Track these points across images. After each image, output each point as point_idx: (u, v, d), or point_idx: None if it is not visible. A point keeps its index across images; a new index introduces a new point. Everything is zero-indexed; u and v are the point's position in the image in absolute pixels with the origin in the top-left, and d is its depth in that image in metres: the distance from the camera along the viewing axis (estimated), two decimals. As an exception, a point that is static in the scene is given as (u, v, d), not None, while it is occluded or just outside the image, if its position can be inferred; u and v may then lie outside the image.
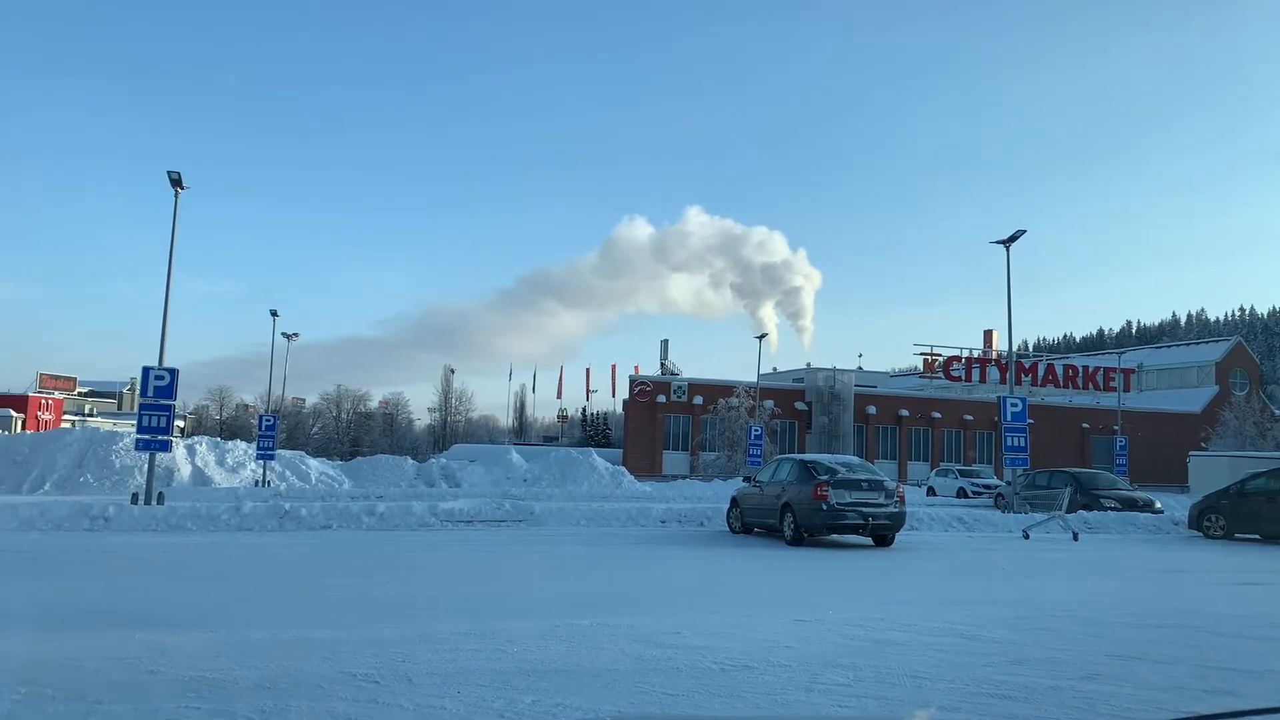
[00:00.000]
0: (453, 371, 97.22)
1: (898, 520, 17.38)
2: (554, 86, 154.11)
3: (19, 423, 73.31)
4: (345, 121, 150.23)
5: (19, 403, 79.08)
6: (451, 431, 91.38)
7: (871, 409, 66.25)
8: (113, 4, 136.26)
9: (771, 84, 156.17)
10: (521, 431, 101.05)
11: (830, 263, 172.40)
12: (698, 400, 61.98)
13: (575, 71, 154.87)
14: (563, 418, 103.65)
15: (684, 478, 53.05)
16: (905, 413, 67.38)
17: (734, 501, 20.30)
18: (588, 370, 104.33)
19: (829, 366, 66.88)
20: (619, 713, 5.20)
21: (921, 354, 69.06)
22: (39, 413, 79.44)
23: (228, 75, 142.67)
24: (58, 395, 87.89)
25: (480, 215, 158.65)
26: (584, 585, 11.38)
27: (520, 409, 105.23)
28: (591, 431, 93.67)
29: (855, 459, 19.38)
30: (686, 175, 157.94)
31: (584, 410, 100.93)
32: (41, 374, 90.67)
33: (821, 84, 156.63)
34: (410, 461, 42.81)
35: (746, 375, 58.86)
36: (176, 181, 22.79)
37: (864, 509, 16.90)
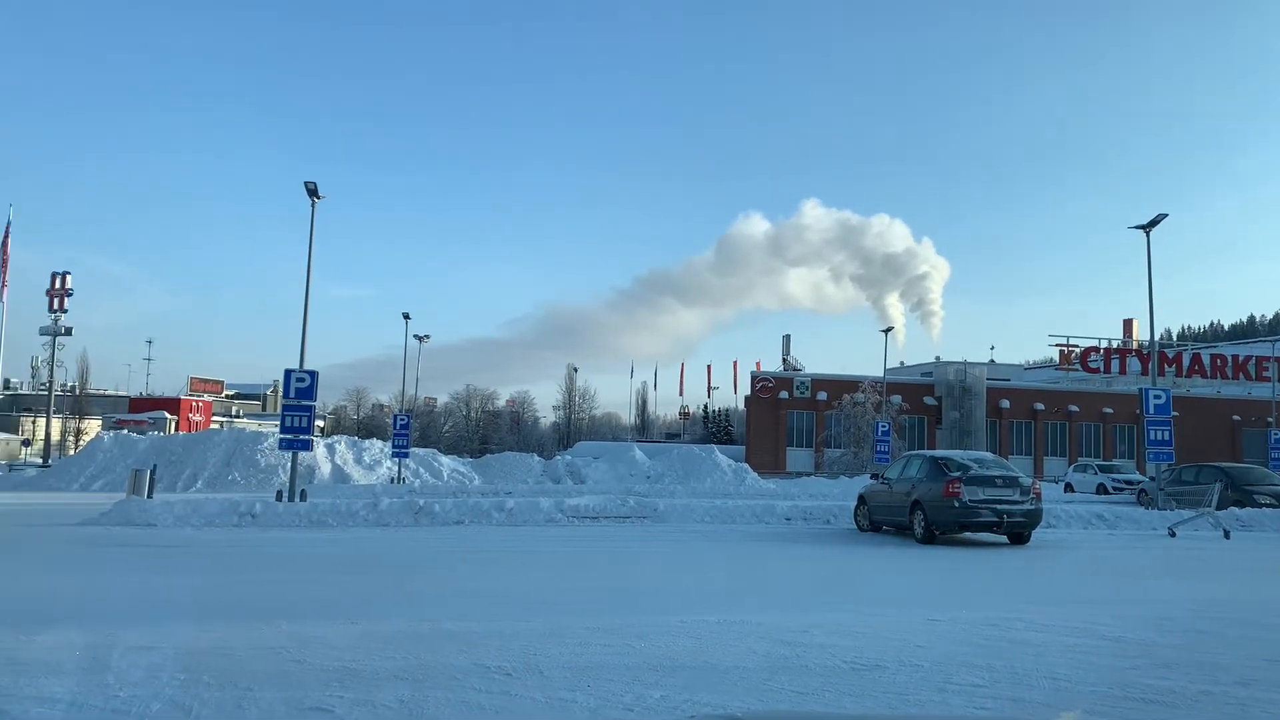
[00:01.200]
0: (575, 370, 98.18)
1: (1034, 517, 16.80)
2: (670, 89, 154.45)
3: (173, 424, 77.66)
4: (469, 126, 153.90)
5: (172, 405, 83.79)
6: (575, 429, 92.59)
7: (1005, 403, 64.13)
8: (236, 23, 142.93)
9: (892, 76, 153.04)
10: (644, 428, 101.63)
11: (958, 254, 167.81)
12: (821, 396, 61.18)
13: (690, 73, 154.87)
14: (684, 415, 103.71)
15: (808, 475, 52.47)
16: (1040, 406, 65.01)
17: (861, 499, 19.98)
18: (709, 367, 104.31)
19: (959, 360, 65.05)
20: (748, 710, 5.18)
21: (1057, 345, 66.49)
22: (190, 414, 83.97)
23: (358, 81, 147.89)
24: (207, 398, 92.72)
25: (599, 217, 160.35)
26: (710, 582, 11.38)
27: (642, 406, 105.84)
28: (713, 428, 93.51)
29: (988, 455, 18.82)
30: (803, 169, 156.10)
31: (706, 407, 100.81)
32: (192, 378, 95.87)
33: (941, 74, 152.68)
34: (536, 458, 43.60)
35: (872, 370, 57.71)
36: (313, 191, 23.74)
37: (998, 506, 16.40)
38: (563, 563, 13.17)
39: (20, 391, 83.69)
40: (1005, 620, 8.23)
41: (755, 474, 40.87)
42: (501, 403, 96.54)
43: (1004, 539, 17.29)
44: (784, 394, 61.68)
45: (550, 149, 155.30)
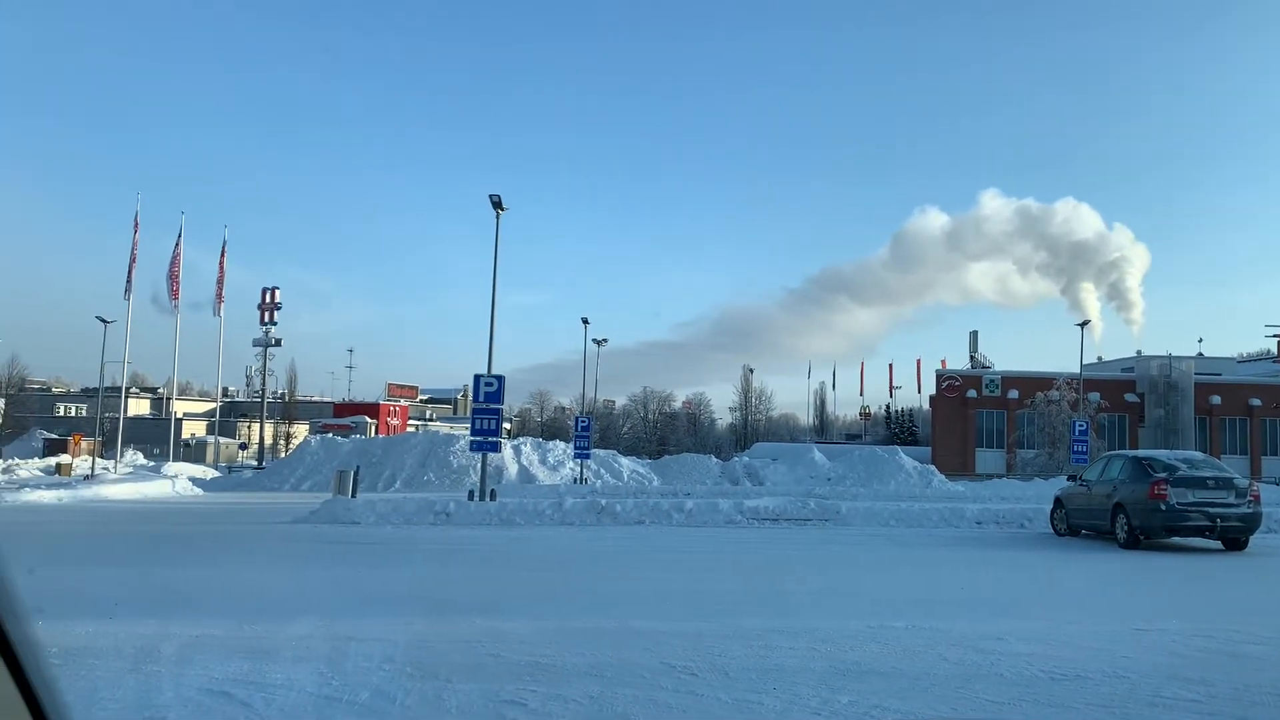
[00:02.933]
0: (751, 371, 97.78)
1: (1251, 522, 15.56)
2: (836, 89, 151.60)
3: (372, 428, 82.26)
4: (641, 134, 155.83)
5: (372, 410, 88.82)
6: (752, 430, 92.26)
7: (1215, 399, 59.64)
8: (421, 35, 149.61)
9: (1075, 63, 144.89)
10: (823, 429, 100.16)
11: (1158, 240, 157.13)
12: (1012, 394, 58.63)
13: (857, 72, 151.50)
14: (865, 415, 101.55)
15: (999, 477, 50.32)
16: (1257, 402, 60.08)
17: (1058, 502, 19.03)
18: (890, 365, 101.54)
19: (1163, 353, 60.96)
20: (941, 718, 5.04)
21: (1275, 335, 61.34)
22: (388, 418, 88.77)
23: (536, 93, 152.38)
24: (403, 402, 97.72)
25: (769, 217, 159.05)
26: (895, 586, 11.11)
27: (820, 407, 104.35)
28: (896, 429, 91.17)
29: (1198, 454, 17.56)
30: (978, 158, 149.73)
31: (888, 407, 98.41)
32: (389, 384, 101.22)
33: (1130, 57, 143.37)
34: (714, 460, 43.68)
35: (1066, 365, 54.85)
36: (497, 204, 24.65)
37: (1210, 509, 15.27)
38: (744, 564, 13.16)
39: (237, 399, 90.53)
40: (1221, 632, 7.67)
41: (941, 476, 39.58)
42: (678, 404, 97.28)
43: (1218, 545, 16.09)
44: (972, 392, 59.47)
45: (719, 153, 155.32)
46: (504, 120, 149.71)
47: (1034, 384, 57.43)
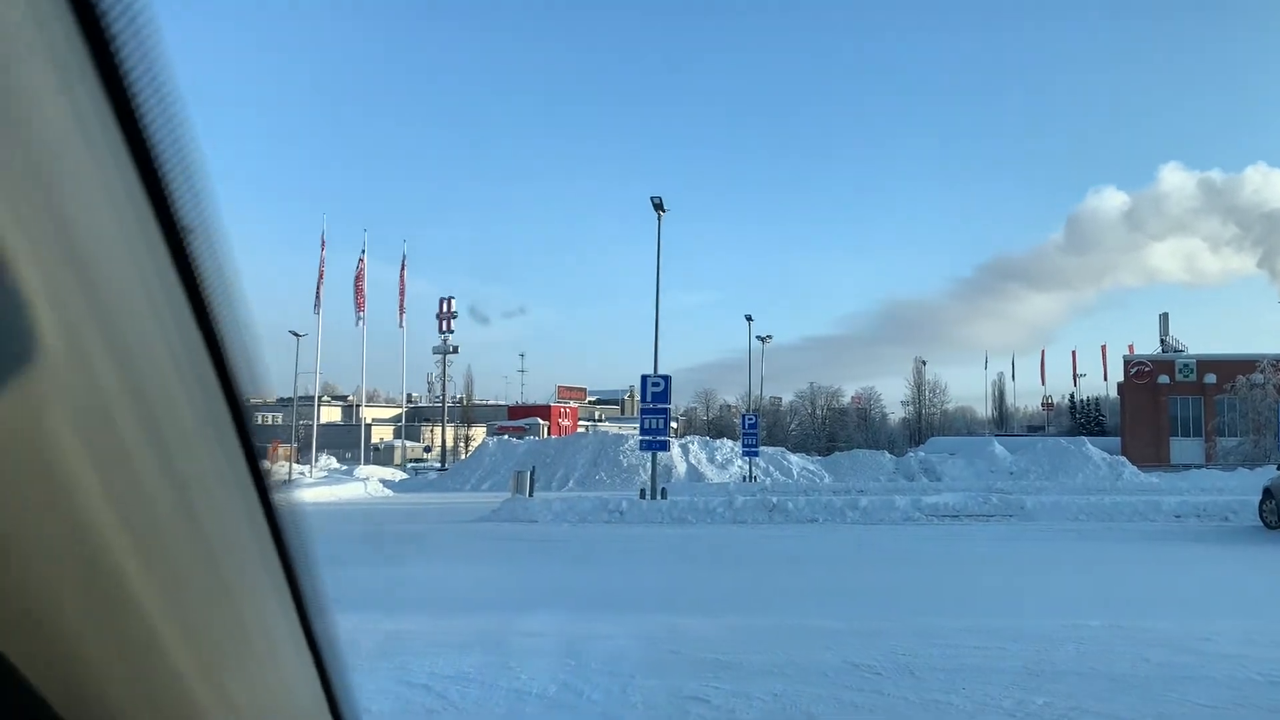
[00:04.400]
0: (924, 363, 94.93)
1: None
2: (1004, 70, 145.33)
3: (545, 429, 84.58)
4: (797, 126, 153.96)
5: (544, 412, 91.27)
6: (927, 424, 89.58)
7: None
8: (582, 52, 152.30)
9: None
10: (1002, 422, 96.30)
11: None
12: (1209, 379, 54.80)
13: (1025, 54, 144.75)
14: (1047, 405, 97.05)
15: (1196, 467, 47.14)
16: None
17: (1267, 493, 17.69)
18: (1073, 353, 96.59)
19: (1384, 330, 55.57)
20: None
21: None
22: (559, 420, 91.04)
23: (698, 89, 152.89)
24: (572, 404, 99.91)
25: (932, 206, 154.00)
26: (1089, 583, 10.60)
27: (999, 398, 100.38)
28: (1082, 419, 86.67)
29: None
30: (1154, 132, 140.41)
31: (1071, 396, 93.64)
32: (559, 386, 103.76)
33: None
34: (888, 455, 42.75)
35: (1271, 347, 50.89)
36: (658, 206, 24.93)
37: None
38: (924, 562, 12.83)
39: (420, 404, 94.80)
40: None
41: (1133, 467, 37.42)
42: (847, 400, 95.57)
43: None
44: (1164, 378, 55.95)
45: (876, 141, 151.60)
46: (665, 120, 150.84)
47: (1234, 367, 53.47)
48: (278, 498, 0.76)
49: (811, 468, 39.94)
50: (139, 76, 0.52)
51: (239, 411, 0.66)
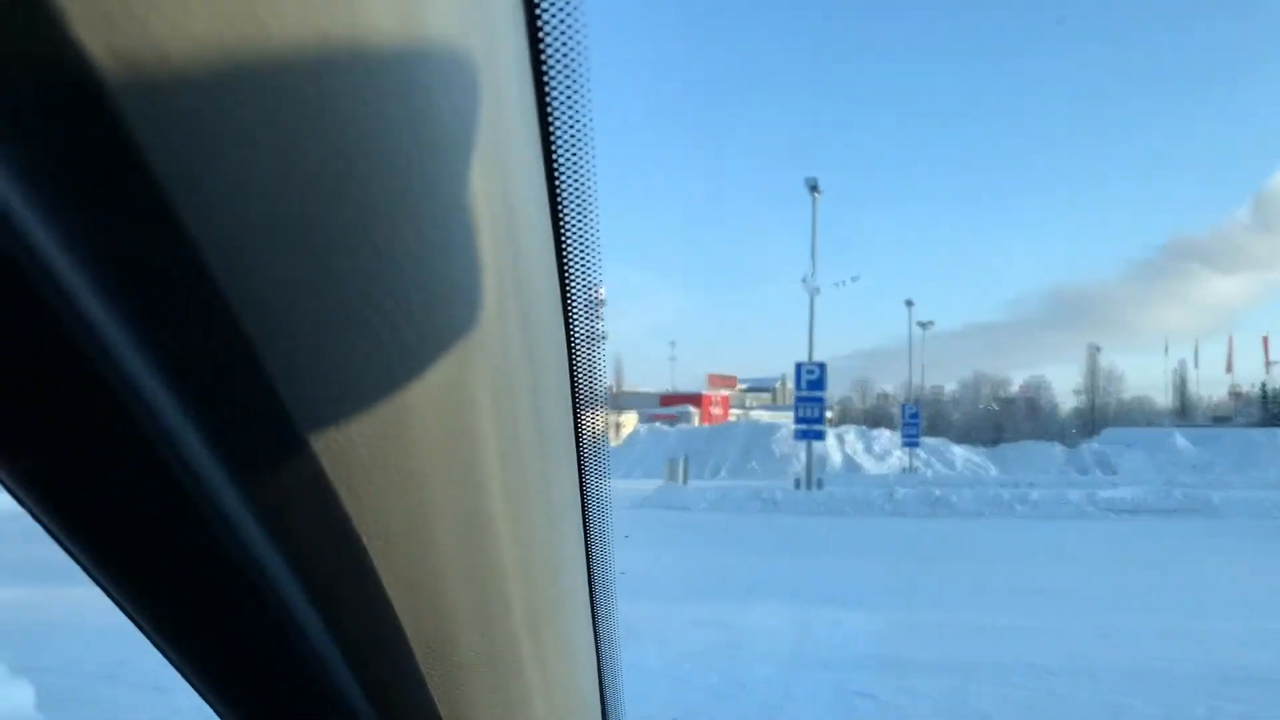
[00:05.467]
0: (1098, 350, 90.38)
1: None
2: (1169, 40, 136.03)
3: (696, 417, 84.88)
4: (956, 107, 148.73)
5: (695, 400, 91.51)
6: (1100, 414, 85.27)
7: None
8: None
9: None
10: (1184, 412, 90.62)
11: None
12: None
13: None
14: (1236, 395, 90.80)
15: None
16: None
17: None
18: (1264, 339, 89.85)
19: None
20: None
21: None
22: (710, 408, 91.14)
23: (855, 71, 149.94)
24: (723, 392, 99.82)
25: (1101, 182, 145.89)
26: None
27: (1180, 387, 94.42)
28: (1275, 409, 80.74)
29: None
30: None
31: (1263, 385, 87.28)
32: (709, 374, 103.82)
33: None
34: (1058, 447, 40.97)
35: None
36: (814, 187, 24.59)
37: None
38: (1100, 559, 12.23)
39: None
40: None
41: (1341, 460, 34.63)
42: (1013, 389, 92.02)
43: None
44: (1369, 366, 51.44)
45: (1043, 123, 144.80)
46: (824, 103, 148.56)
47: None
48: (598, 498, 0.79)
49: (976, 460, 38.70)
50: (558, 87, 0.55)
51: (579, 414, 0.69)
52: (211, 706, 0.50)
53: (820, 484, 23.47)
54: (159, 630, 0.45)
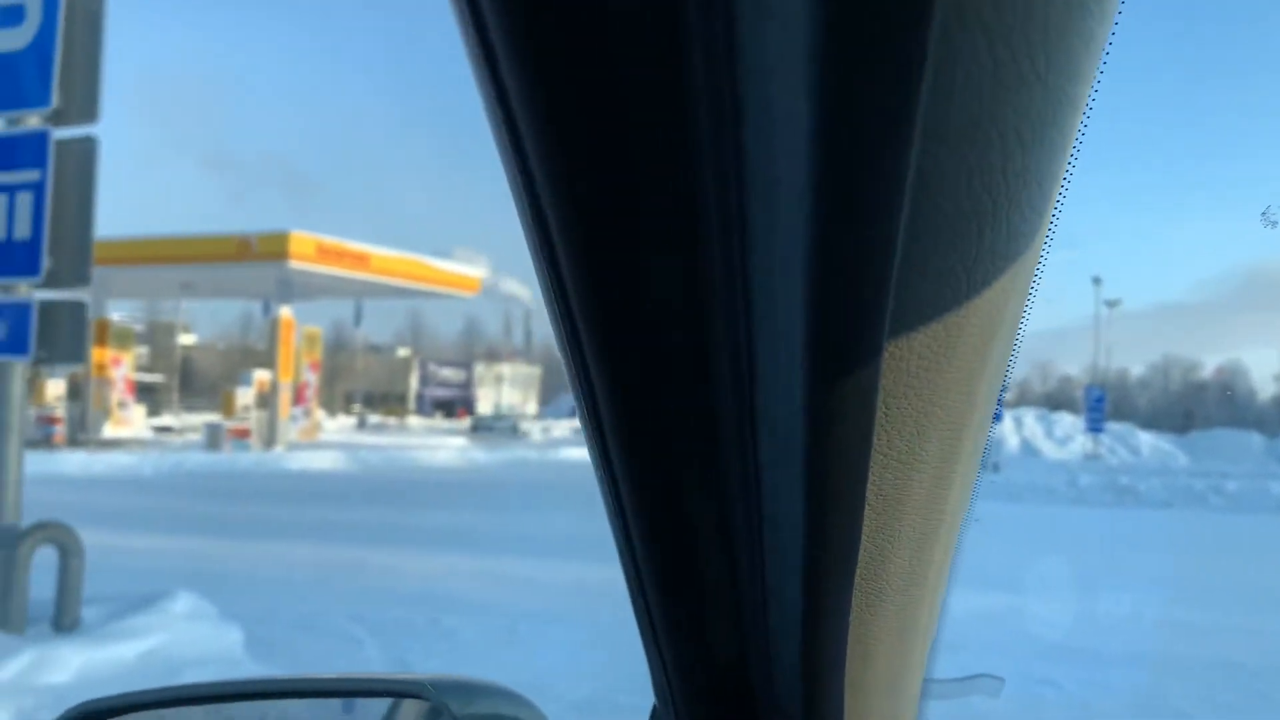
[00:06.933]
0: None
1: None
2: None
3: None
4: (1180, 80, 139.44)
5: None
6: (1307, 402, 78.89)
7: None
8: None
9: None
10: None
11: None
12: None
13: None
14: None
15: None
16: None
17: None
18: None
19: None
20: None
21: None
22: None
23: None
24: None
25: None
26: None
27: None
28: None
29: None
30: None
31: None
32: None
33: None
34: (1256, 436, 38.17)
35: None
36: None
37: None
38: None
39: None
40: None
41: None
42: (1206, 373, 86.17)
43: None
44: None
45: (1243, 88, 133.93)
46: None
47: None
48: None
49: (1165, 447, 36.56)
50: None
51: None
52: (658, 647, 0.54)
53: (996, 468, 22.69)
54: (653, 567, 0.50)
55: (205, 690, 0.86)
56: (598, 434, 0.45)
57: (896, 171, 0.34)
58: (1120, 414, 66.43)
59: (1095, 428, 33.76)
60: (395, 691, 0.83)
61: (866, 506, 0.44)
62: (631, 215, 0.39)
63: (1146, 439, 37.61)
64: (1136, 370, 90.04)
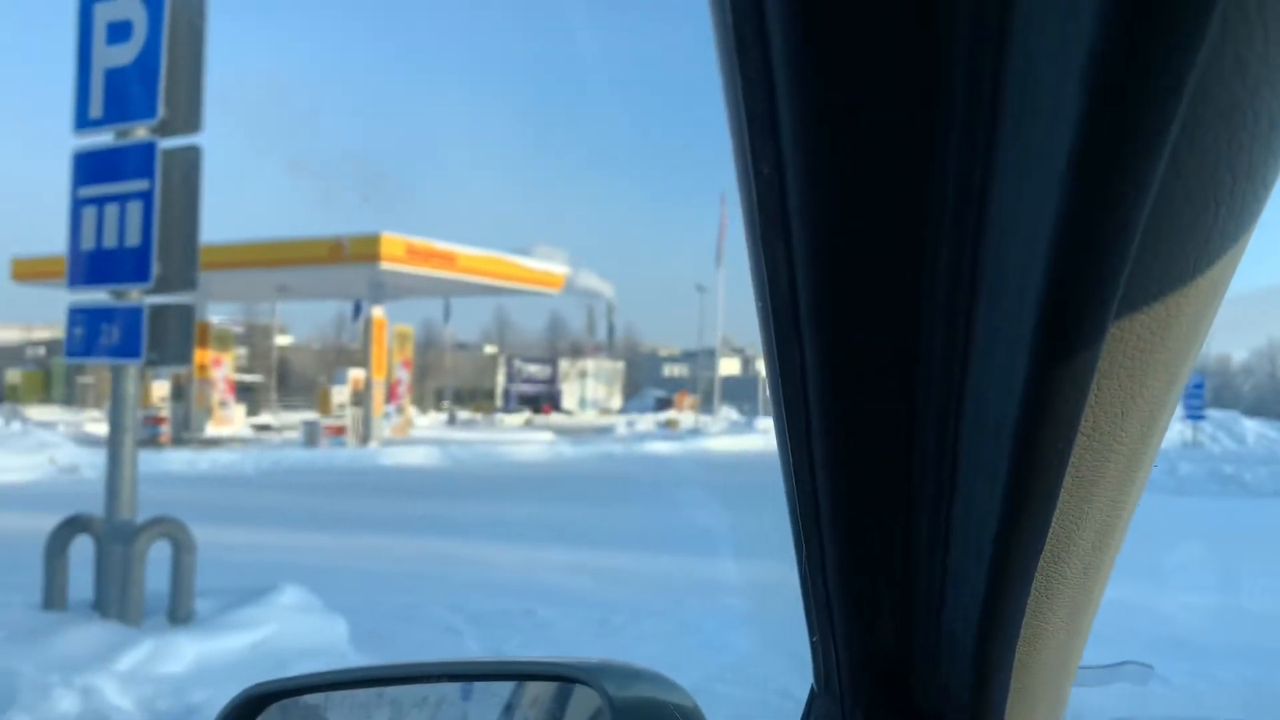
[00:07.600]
0: None
1: None
2: None
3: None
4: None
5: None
6: None
7: None
8: None
9: None
10: None
11: None
12: None
13: None
14: None
15: None
16: None
17: None
18: None
19: None
20: None
21: None
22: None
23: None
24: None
25: None
26: None
27: None
28: None
29: None
30: None
31: None
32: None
33: None
34: (1372, 422, 36.39)
35: None
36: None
37: None
38: None
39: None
40: None
41: None
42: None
43: None
44: None
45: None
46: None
47: None
48: None
49: (1272, 435, 35.11)
50: None
51: None
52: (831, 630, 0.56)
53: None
54: (839, 549, 0.52)
55: (368, 674, 0.91)
56: (802, 413, 0.48)
57: (1156, 153, 0.34)
58: (1221, 401, 63.86)
59: (1195, 415, 32.57)
60: (551, 675, 0.84)
61: (1062, 489, 0.44)
62: (871, 207, 0.40)
63: (1252, 426, 36.16)
64: (1239, 355, 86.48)
